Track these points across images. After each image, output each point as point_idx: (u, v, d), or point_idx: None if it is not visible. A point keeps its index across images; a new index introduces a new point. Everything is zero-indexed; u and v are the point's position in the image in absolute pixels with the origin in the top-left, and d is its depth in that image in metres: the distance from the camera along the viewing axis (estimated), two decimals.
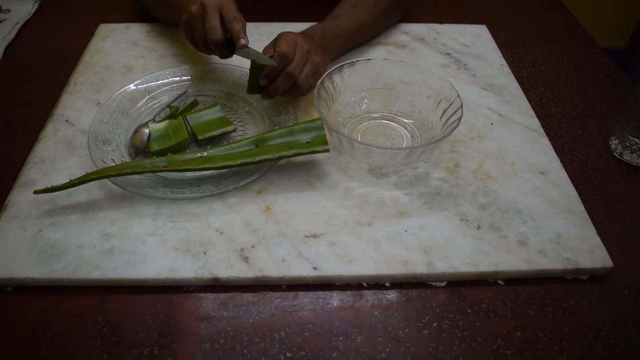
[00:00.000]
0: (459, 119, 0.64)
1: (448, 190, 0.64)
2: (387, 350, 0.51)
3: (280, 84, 0.67)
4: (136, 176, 0.63)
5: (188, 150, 0.67)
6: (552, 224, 0.61)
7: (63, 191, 0.60)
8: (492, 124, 0.74)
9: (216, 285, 0.55)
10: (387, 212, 0.62)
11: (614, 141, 0.72)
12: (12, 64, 0.86)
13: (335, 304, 0.54)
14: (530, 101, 0.79)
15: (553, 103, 0.80)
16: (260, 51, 0.68)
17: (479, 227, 0.60)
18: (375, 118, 0.74)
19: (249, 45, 0.66)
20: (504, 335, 0.52)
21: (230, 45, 0.68)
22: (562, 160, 0.69)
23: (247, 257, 0.56)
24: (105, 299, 0.54)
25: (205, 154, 0.63)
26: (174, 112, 0.72)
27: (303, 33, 0.73)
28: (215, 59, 0.76)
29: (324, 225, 0.60)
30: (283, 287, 0.56)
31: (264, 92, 0.69)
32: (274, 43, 0.68)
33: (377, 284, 0.56)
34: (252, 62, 0.67)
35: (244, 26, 0.67)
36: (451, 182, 0.65)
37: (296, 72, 0.66)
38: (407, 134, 0.72)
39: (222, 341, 0.51)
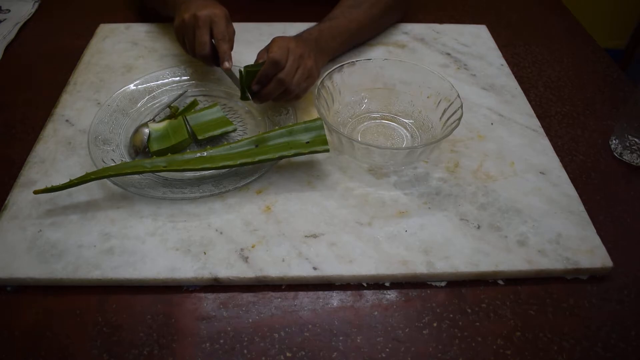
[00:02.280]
0: (459, 119, 0.64)
1: (448, 190, 0.64)
2: (387, 350, 0.51)
3: (272, 89, 0.67)
4: (136, 176, 0.63)
5: (188, 150, 0.67)
6: (552, 224, 0.61)
7: (63, 191, 0.60)
8: (492, 124, 0.74)
9: (216, 285, 0.55)
10: (387, 212, 0.62)
11: (614, 141, 0.72)
12: (12, 64, 0.86)
13: (335, 304, 0.54)
14: (530, 101, 0.79)
15: (553, 103, 0.80)
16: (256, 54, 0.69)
17: (479, 227, 0.60)
18: (375, 118, 0.74)
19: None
20: (504, 335, 0.52)
21: (217, 57, 0.71)
22: (562, 160, 0.69)
23: (247, 257, 0.56)
24: (105, 299, 0.54)
25: (205, 154, 0.63)
26: (174, 112, 0.72)
27: (298, 36, 0.73)
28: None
29: (324, 225, 0.60)
30: (283, 287, 0.56)
31: (256, 97, 0.69)
32: (267, 48, 0.68)
33: (377, 284, 0.56)
34: (243, 70, 0.67)
35: (231, 46, 0.71)
36: (451, 182, 0.65)
37: (288, 78, 0.66)
38: (407, 134, 0.72)
39: (222, 341, 0.51)
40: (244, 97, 0.70)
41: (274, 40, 0.68)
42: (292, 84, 0.67)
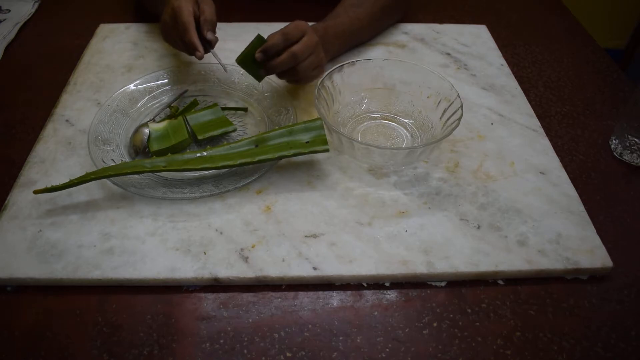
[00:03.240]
0: (459, 119, 0.64)
1: (448, 190, 0.64)
2: (387, 350, 0.51)
3: (282, 62, 0.66)
4: (136, 176, 0.63)
5: (188, 150, 0.67)
6: (552, 224, 0.61)
7: (63, 191, 0.60)
8: (492, 124, 0.74)
9: (216, 285, 0.55)
10: (387, 212, 0.62)
11: (614, 141, 0.72)
12: (12, 64, 0.86)
13: (335, 304, 0.54)
14: (530, 101, 0.79)
15: (553, 103, 0.80)
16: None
17: (479, 227, 0.60)
18: (375, 118, 0.74)
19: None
20: (504, 335, 0.52)
21: (205, 44, 0.70)
22: (562, 160, 0.69)
23: (247, 257, 0.56)
24: (105, 299, 0.54)
25: (205, 154, 0.63)
26: (174, 112, 0.72)
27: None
28: (215, 58, 0.77)
29: (324, 225, 0.60)
30: (283, 287, 0.56)
31: (264, 69, 0.68)
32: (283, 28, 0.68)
33: (377, 284, 0.56)
34: (256, 38, 0.67)
35: (208, 20, 0.69)
36: (451, 182, 0.65)
37: (301, 55, 0.66)
38: (407, 134, 0.72)
39: (222, 341, 0.51)
40: (241, 60, 0.69)
41: (293, 22, 0.68)
42: (302, 64, 0.67)
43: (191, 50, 0.68)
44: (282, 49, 0.66)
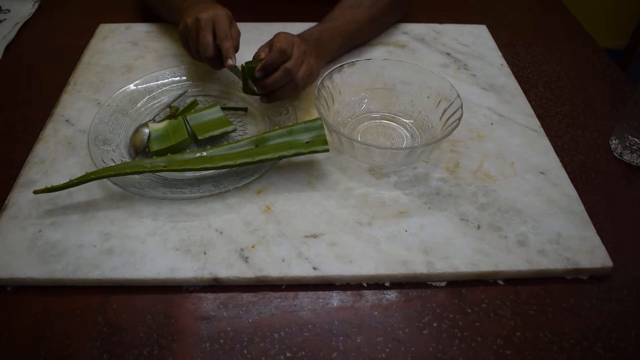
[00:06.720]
0: (459, 119, 0.64)
1: (448, 190, 0.64)
2: (387, 350, 0.51)
3: (277, 79, 0.67)
4: (136, 176, 0.63)
5: (188, 150, 0.67)
6: (552, 224, 0.61)
7: (63, 191, 0.60)
8: (492, 124, 0.74)
9: (216, 285, 0.55)
10: (387, 212, 0.62)
11: (614, 141, 0.72)
12: (12, 64, 0.86)
13: (335, 304, 0.54)
14: (530, 101, 0.79)
15: (553, 103, 0.80)
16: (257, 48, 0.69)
17: (479, 227, 0.60)
18: (375, 118, 0.74)
19: (236, 65, 0.69)
20: (504, 335, 0.52)
21: (222, 58, 0.70)
22: (562, 160, 0.69)
23: (247, 257, 0.56)
24: (105, 299, 0.54)
25: (205, 154, 0.63)
26: (174, 112, 0.72)
27: (299, 36, 0.73)
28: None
29: (324, 225, 0.60)
30: (283, 287, 0.56)
31: (260, 87, 0.68)
32: (271, 41, 0.68)
33: (377, 284, 0.56)
34: (245, 65, 0.68)
35: (234, 43, 0.70)
36: (451, 182, 0.65)
37: (295, 68, 0.66)
38: (407, 134, 0.72)
39: (222, 341, 0.51)
40: (246, 90, 0.70)
41: (279, 34, 0.68)
42: (297, 75, 0.67)
43: (226, 55, 0.68)
44: (279, 65, 0.67)
